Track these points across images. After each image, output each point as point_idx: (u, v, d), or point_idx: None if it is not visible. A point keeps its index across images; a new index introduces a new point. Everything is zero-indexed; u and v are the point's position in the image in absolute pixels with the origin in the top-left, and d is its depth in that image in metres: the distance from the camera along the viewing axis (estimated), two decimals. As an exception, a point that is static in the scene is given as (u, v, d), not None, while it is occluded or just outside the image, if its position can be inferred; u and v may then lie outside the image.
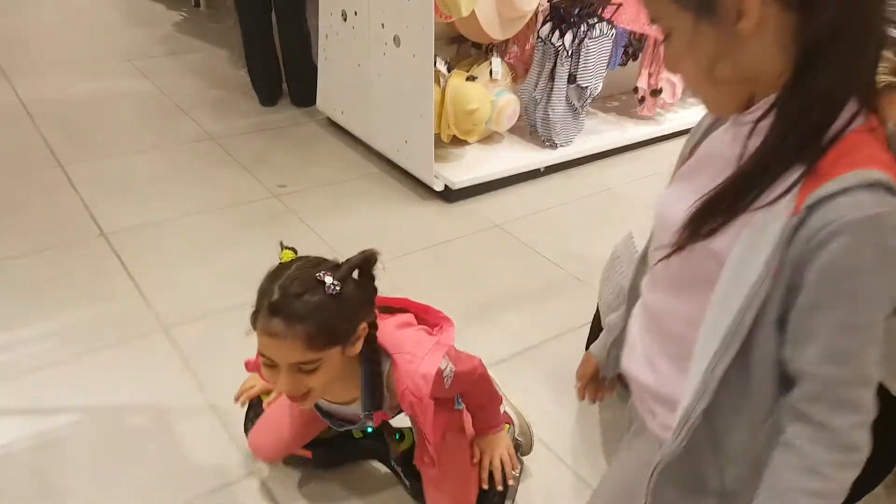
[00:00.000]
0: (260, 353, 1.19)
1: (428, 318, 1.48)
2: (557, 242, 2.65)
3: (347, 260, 1.22)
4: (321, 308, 1.14)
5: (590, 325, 2.04)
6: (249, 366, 1.55)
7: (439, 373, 1.28)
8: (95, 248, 2.45)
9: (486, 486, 1.46)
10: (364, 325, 1.25)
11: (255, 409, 1.65)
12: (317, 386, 1.21)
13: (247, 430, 1.64)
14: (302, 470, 1.66)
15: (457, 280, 2.42)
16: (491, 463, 1.47)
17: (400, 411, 1.43)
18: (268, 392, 1.63)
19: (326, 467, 1.67)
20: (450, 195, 2.88)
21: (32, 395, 1.84)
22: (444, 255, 2.57)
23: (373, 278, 1.26)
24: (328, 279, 1.15)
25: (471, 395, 1.47)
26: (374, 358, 1.31)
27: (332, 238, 2.61)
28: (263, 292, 1.17)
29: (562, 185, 3.10)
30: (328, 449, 1.64)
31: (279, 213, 2.77)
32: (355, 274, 1.21)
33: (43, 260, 2.38)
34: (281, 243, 1.29)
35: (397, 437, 1.63)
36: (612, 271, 1.73)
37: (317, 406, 1.45)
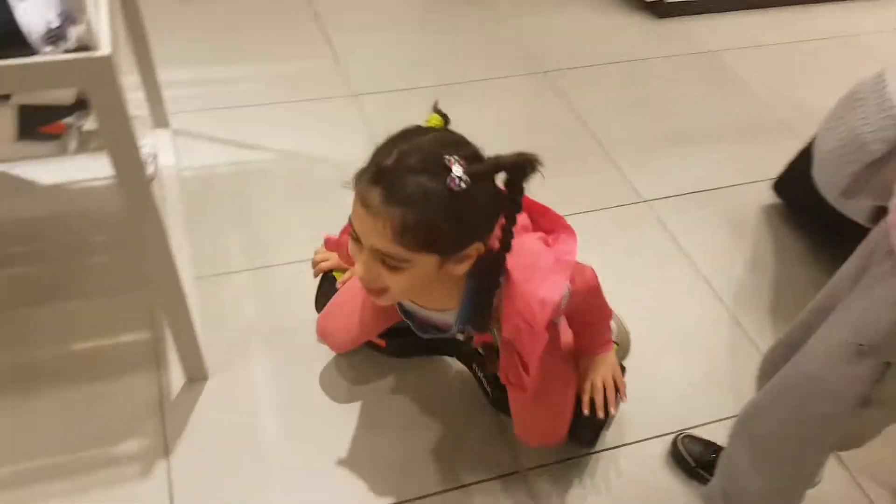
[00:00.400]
0: (350, 221, 0.94)
1: (545, 222, 1.13)
2: (773, 83, 2.37)
3: (497, 156, 0.89)
4: (431, 199, 0.85)
5: (778, 176, 1.87)
6: (329, 243, 1.38)
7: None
8: (297, 3, 2.51)
9: (587, 411, 1.23)
10: (480, 245, 0.95)
11: (329, 281, 1.42)
12: (395, 288, 0.96)
13: (318, 305, 1.44)
14: (375, 353, 1.49)
15: (649, 103, 2.26)
16: (594, 387, 1.23)
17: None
18: (342, 269, 1.41)
19: (399, 357, 1.48)
20: (661, 8, 2.61)
21: (237, 128, 2.00)
22: (642, 73, 2.38)
23: (520, 191, 0.91)
24: (457, 169, 0.85)
25: (581, 312, 1.20)
26: (489, 277, 1.02)
27: (526, 37, 2.48)
28: (379, 151, 0.90)
29: (793, 21, 2.71)
30: (403, 339, 1.39)
31: (474, 4, 2.65)
32: (500, 178, 0.90)
33: (245, 5, 2.47)
34: (435, 104, 1.01)
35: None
36: (846, 115, 1.51)
37: (399, 304, 1.21)
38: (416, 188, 0.85)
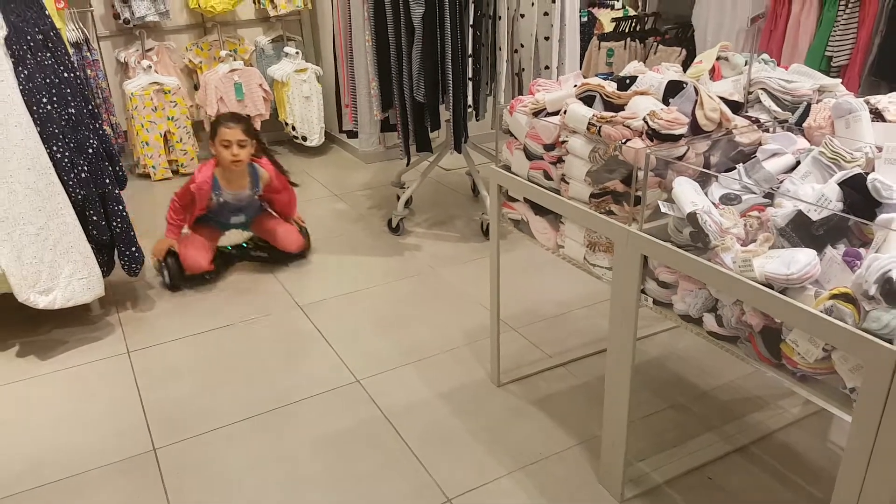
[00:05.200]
0: (221, 142, 2.82)
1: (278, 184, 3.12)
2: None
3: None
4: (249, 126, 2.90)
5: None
6: (173, 229, 2.94)
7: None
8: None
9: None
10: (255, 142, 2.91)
11: (171, 256, 2.86)
12: (243, 154, 2.82)
13: (171, 277, 2.86)
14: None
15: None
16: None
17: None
18: (175, 243, 2.89)
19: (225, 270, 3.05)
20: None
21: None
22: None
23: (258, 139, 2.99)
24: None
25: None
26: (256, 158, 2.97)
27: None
28: (225, 115, 3.00)
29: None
30: (222, 259, 3.05)
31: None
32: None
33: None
34: None
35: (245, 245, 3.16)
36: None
37: (223, 200, 2.93)
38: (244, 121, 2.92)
